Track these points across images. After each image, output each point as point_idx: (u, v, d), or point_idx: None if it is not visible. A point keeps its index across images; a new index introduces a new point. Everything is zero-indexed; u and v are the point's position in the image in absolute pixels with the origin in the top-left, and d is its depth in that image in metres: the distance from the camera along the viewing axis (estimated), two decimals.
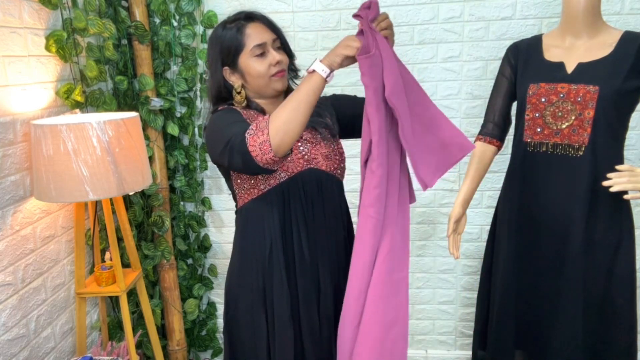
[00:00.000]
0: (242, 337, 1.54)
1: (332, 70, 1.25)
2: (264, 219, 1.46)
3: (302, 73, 1.48)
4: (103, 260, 2.09)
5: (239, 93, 1.45)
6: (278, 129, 1.21)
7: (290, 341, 1.47)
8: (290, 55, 1.50)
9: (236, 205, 1.55)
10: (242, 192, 1.49)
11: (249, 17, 1.44)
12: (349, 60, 1.27)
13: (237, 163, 1.29)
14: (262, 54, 1.41)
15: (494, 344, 1.83)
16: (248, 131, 1.25)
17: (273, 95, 1.48)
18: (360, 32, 1.27)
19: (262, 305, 1.48)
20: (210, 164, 2.54)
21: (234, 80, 1.46)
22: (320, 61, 1.25)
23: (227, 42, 1.43)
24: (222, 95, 1.49)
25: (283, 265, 1.46)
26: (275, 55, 1.41)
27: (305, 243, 1.47)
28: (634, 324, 1.68)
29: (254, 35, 1.41)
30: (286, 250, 1.47)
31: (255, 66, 1.41)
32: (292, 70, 1.54)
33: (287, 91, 1.52)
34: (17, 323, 1.73)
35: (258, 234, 1.48)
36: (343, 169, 1.56)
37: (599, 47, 1.60)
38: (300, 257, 1.47)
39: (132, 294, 2.37)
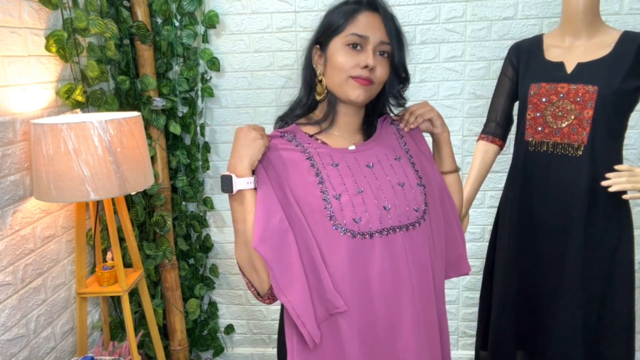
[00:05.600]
0: None
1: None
2: None
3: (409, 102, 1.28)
4: (104, 260, 2.09)
5: (320, 82, 1.18)
6: (244, 268, 1.13)
7: None
8: (399, 77, 1.19)
9: None
10: None
11: (372, 5, 1.14)
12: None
13: None
14: (357, 47, 1.11)
15: (495, 345, 1.82)
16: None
17: (345, 101, 1.16)
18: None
19: None
20: (212, 163, 2.54)
21: (319, 65, 1.19)
22: (238, 176, 1.07)
23: (331, 18, 1.16)
24: (306, 77, 1.22)
25: None
26: (369, 57, 1.10)
27: None
28: (633, 323, 1.67)
29: (361, 24, 1.11)
30: None
31: (341, 56, 1.12)
32: (394, 97, 1.24)
33: (367, 107, 1.24)
34: (16, 323, 1.73)
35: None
36: None
37: (598, 47, 1.60)
38: None
39: (133, 294, 2.38)
